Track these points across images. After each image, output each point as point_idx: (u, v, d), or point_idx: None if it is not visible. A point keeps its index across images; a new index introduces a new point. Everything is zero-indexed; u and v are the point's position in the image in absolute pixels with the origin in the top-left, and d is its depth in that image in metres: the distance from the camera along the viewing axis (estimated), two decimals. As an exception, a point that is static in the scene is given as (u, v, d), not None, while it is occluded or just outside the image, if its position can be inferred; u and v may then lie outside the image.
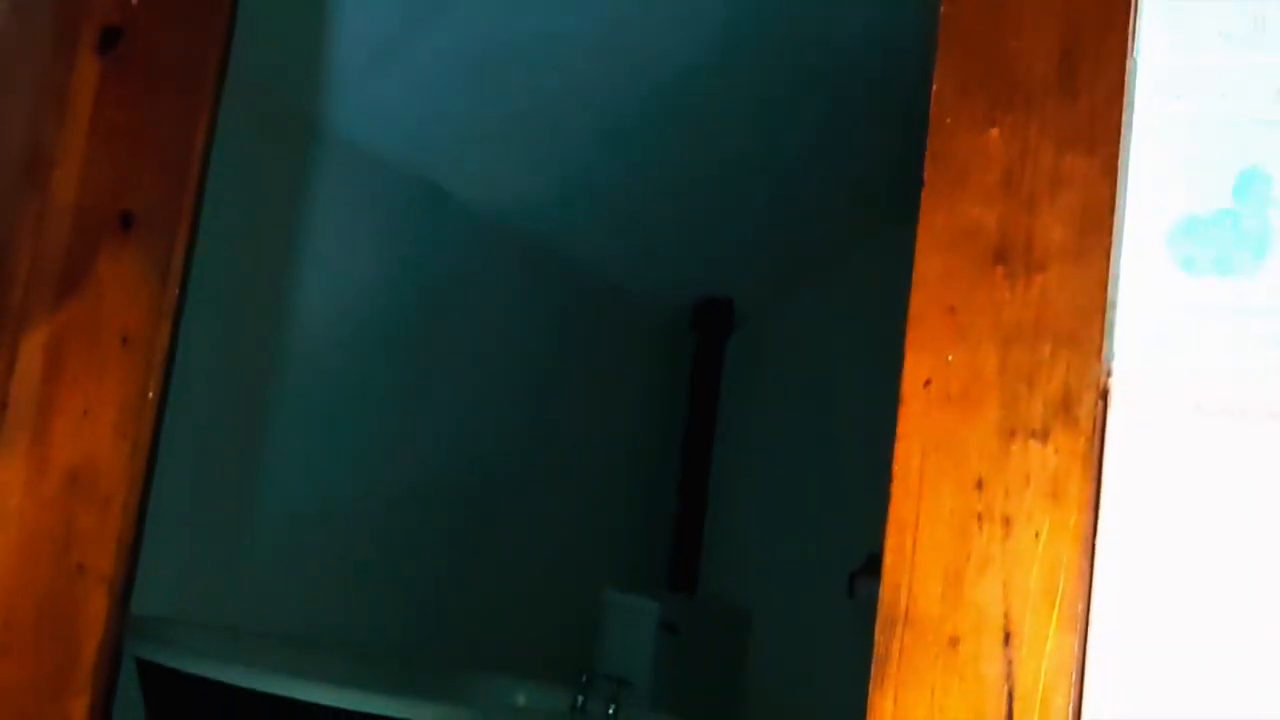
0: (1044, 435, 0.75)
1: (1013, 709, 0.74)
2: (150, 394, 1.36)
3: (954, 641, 0.76)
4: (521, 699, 3.29)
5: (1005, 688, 0.74)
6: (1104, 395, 0.75)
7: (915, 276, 0.79)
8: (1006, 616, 0.75)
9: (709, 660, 3.92)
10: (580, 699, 3.30)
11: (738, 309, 4.39)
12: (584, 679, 3.34)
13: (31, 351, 1.28)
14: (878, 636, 0.80)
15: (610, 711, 3.20)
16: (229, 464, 3.04)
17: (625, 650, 3.69)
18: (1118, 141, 0.78)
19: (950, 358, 0.78)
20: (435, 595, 3.49)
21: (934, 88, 0.81)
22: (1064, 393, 0.75)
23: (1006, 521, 0.76)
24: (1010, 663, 0.75)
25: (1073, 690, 0.74)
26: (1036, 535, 0.75)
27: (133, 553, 1.46)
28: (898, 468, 0.79)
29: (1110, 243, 0.76)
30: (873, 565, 3.71)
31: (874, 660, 0.80)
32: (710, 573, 4.22)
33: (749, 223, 4.07)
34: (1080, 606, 0.74)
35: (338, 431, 3.28)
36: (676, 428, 4.35)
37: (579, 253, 3.87)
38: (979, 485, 0.77)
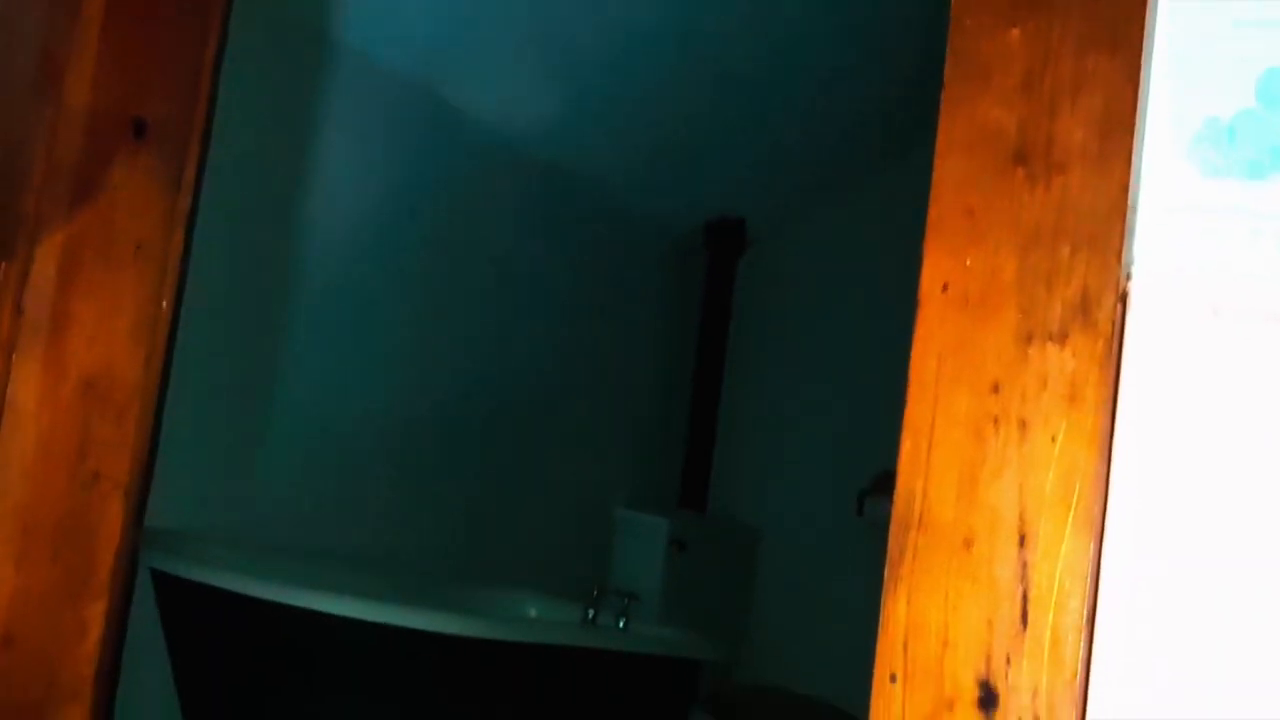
0: (1061, 338, 0.75)
1: (1027, 611, 0.75)
2: (164, 303, 1.36)
3: (968, 543, 0.77)
4: (534, 612, 3.33)
5: (1020, 590, 0.75)
6: (1123, 298, 0.75)
7: (934, 179, 0.79)
8: (1022, 519, 0.75)
9: (718, 576, 3.96)
10: (591, 612, 3.33)
11: (750, 228, 4.37)
12: (595, 593, 3.37)
13: (46, 259, 1.28)
14: (891, 540, 0.80)
15: (620, 624, 3.24)
16: (243, 380, 3.05)
17: (636, 566, 3.73)
18: (1140, 43, 0.77)
19: (969, 261, 0.77)
20: (449, 512, 3.52)
21: (955, -12, 0.80)
22: (1082, 296, 0.75)
23: (1023, 425, 0.76)
24: (1025, 565, 0.75)
25: (1088, 592, 0.74)
26: (1053, 438, 0.75)
27: (148, 462, 1.47)
28: (914, 371, 0.79)
29: (1131, 145, 0.76)
30: (881, 484, 3.73)
31: (887, 563, 0.80)
32: (720, 491, 4.25)
33: (763, 142, 4.04)
34: (1096, 509, 0.74)
35: (350, 347, 3.28)
36: (689, 348, 4.35)
37: (591, 171, 3.85)
38: (995, 389, 0.77)
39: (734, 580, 4.04)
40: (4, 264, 1.27)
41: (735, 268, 4.39)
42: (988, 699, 0.76)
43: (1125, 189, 0.75)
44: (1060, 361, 0.75)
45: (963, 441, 0.77)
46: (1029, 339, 0.76)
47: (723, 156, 4.04)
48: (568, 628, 3.20)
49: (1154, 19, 0.78)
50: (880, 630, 0.80)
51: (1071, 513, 0.74)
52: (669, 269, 4.30)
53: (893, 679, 0.80)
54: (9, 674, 1.30)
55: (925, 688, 0.78)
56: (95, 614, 1.37)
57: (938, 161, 0.79)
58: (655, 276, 4.24)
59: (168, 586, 2.65)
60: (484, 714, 2.67)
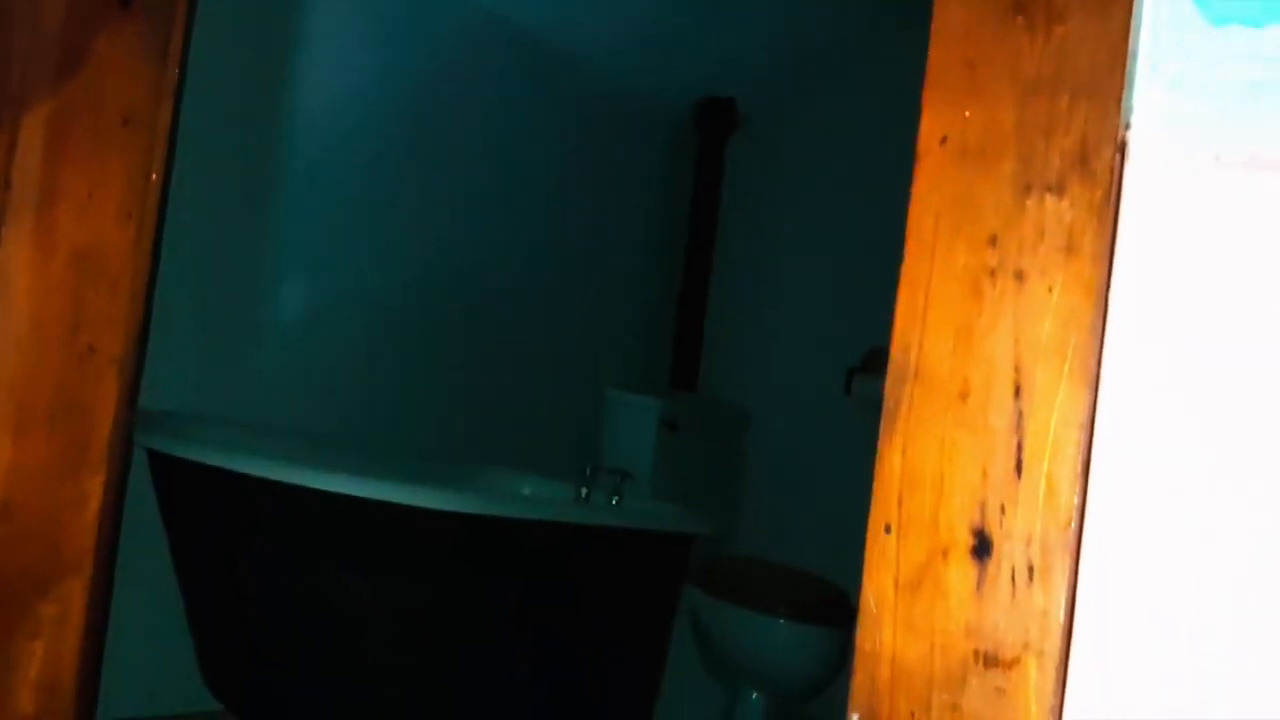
0: (1060, 189, 0.75)
1: (1022, 460, 0.75)
2: (154, 175, 1.35)
3: (964, 395, 0.77)
4: (527, 490, 3.36)
5: (1014, 439, 0.76)
6: (1122, 148, 0.75)
7: (933, 30, 0.78)
8: (1017, 370, 0.76)
9: (709, 456, 3.99)
10: (585, 491, 3.37)
11: (740, 108, 4.33)
12: (588, 472, 3.41)
13: (33, 132, 1.27)
14: (887, 392, 0.81)
15: (614, 501, 3.28)
16: (231, 263, 3.05)
17: (628, 447, 3.76)
18: (1144, -111, 0.76)
19: (967, 113, 0.77)
20: (440, 394, 3.54)
21: None
22: (1081, 146, 0.75)
23: (1020, 276, 0.76)
24: (1020, 415, 0.76)
25: (1082, 443, 0.75)
26: (1050, 289, 0.75)
27: (142, 336, 1.47)
28: (912, 225, 0.79)
29: (1133, -7, 0.75)
30: (869, 363, 3.74)
31: (883, 416, 0.81)
32: (711, 372, 4.27)
33: (752, 18, 3.99)
34: (1092, 361, 0.75)
35: (337, 230, 3.27)
36: (679, 228, 4.34)
37: (579, 51, 3.80)
38: (993, 241, 0.77)
39: (725, 459, 4.08)
40: (-9, 134, 1.26)
41: (725, 147, 4.36)
42: (981, 547, 0.77)
43: (1125, 37, 0.74)
44: (1058, 212, 0.75)
45: (959, 294, 0.78)
46: (1027, 190, 0.76)
47: (711, 34, 3.99)
48: (562, 504, 3.24)
49: None
50: (875, 482, 0.81)
51: (1067, 363, 0.75)
52: (658, 149, 4.27)
53: (887, 530, 0.81)
54: (8, 546, 1.31)
55: (920, 537, 0.79)
56: (93, 487, 1.38)
57: (937, 11, 0.78)
58: (645, 157, 4.22)
59: (163, 466, 2.67)
60: (479, 591, 2.71)
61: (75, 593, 1.37)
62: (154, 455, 2.66)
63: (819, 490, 3.94)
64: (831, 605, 3.48)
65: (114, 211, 1.32)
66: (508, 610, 2.77)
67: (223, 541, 2.67)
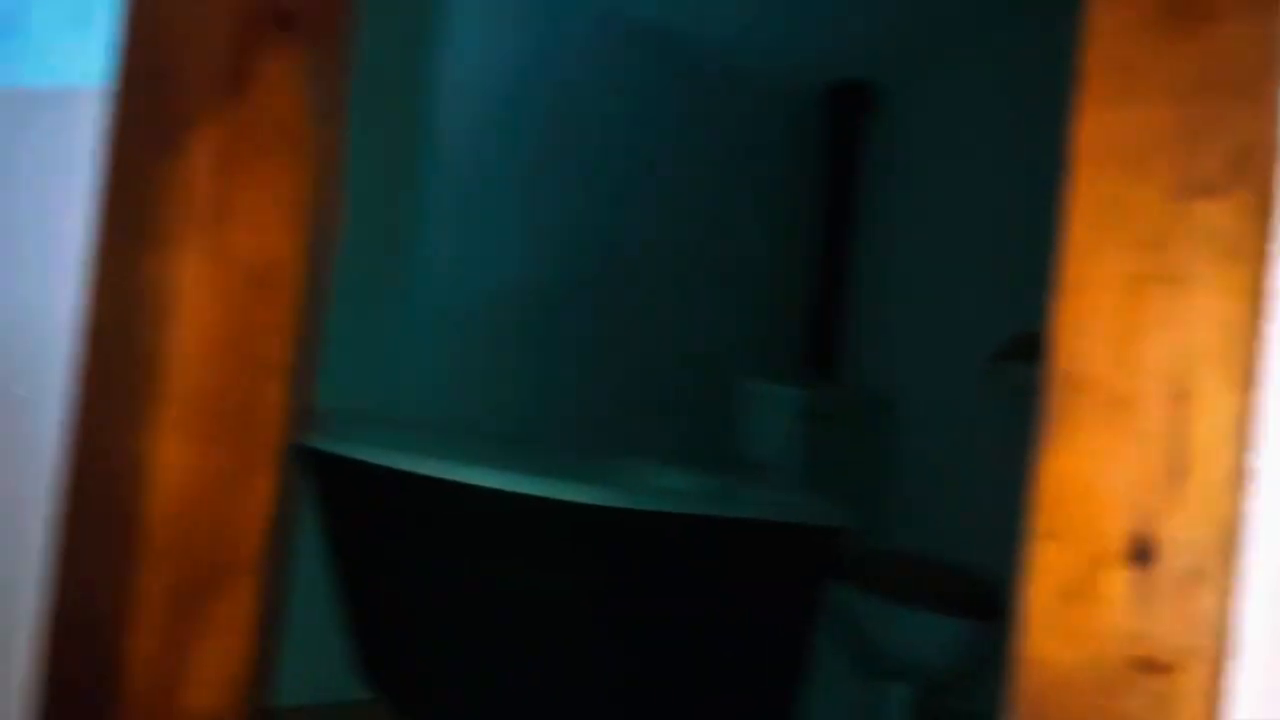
0: (1217, 192, 0.75)
1: (1182, 467, 0.75)
2: (320, 190, 1.40)
3: (1122, 402, 0.77)
4: (669, 483, 3.39)
5: (1175, 446, 0.76)
6: (1277, 150, 0.74)
7: (1084, 31, 0.78)
8: (1176, 376, 0.76)
9: (849, 446, 3.97)
10: (724, 484, 3.39)
11: (876, 88, 4.29)
12: (728, 465, 3.43)
13: (204, 150, 1.33)
14: (1043, 399, 0.81)
15: (753, 496, 3.29)
16: (383, 259, 3.13)
17: (767, 439, 3.76)
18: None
19: (1121, 116, 0.77)
20: (578, 387, 3.59)
21: None
22: (1237, 148, 0.74)
23: (1177, 281, 0.75)
24: (1180, 421, 0.75)
25: (1244, 448, 0.75)
26: (1208, 295, 0.75)
27: (311, 346, 1.53)
28: (1065, 230, 0.79)
29: (1291, -8, 0.74)
30: (1019, 347, 3.69)
31: (1041, 424, 0.81)
32: (851, 360, 4.25)
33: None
34: (1252, 365, 0.74)
35: (476, 224, 3.33)
36: (815, 213, 4.32)
37: (709, 36, 3.81)
38: (1149, 246, 0.76)
39: (865, 450, 4.06)
40: (166, 159, 1.33)
41: (861, 129, 4.32)
42: (1141, 553, 0.77)
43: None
44: (1215, 216, 0.75)
45: (1116, 299, 0.77)
46: (1183, 194, 0.76)
47: (845, 13, 3.96)
48: (699, 497, 3.26)
49: None
50: (1032, 489, 0.82)
51: (1227, 369, 0.74)
52: (793, 132, 4.26)
53: (1044, 537, 0.81)
54: (184, 548, 1.38)
55: (1078, 544, 0.79)
56: (264, 490, 1.44)
57: (1087, 12, 0.78)
58: (779, 140, 4.20)
59: (318, 463, 2.76)
60: (619, 584, 2.75)
61: (248, 593, 1.44)
62: (309, 452, 2.75)
63: (966, 480, 3.90)
64: (981, 598, 3.45)
65: (283, 227, 1.38)
66: (644, 606, 2.80)
67: (376, 537, 2.75)
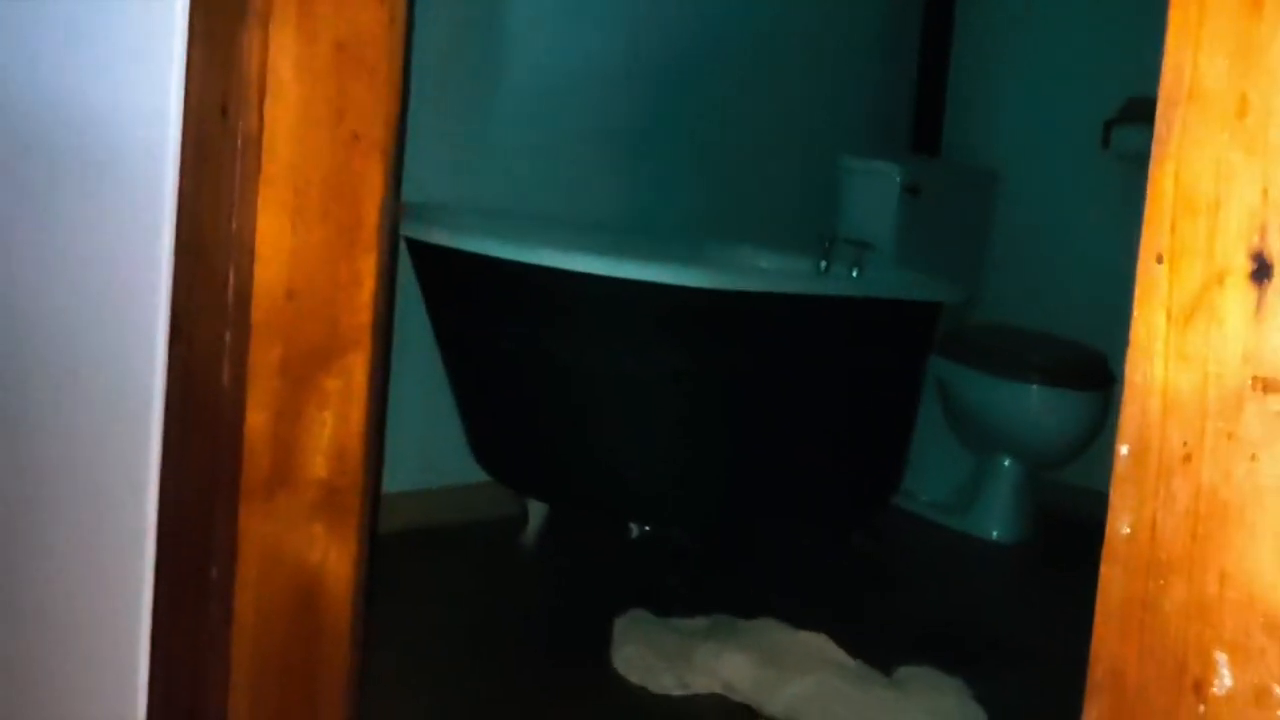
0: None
1: (1305, 176, 0.72)
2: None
3: (1241, 112, 0.74)
4: (766, 264, 3.38)
5: (1296, 156, 0.72)
6: None
7: None
8: (1301, 82, 0.72)
9: (953, 221, 3.91)
10: (824, 264, 3.37)
11: None
12: (827, 244, 3.39)
13: (284, -76, 1.31)
14: (1159, 116, 0.78)
15: (854, 273, 3.27)
16: (472, 51, 3.09)
17: (868, 215, 3.71)
18: None
19: None
20: (678, 170, 3.55)
21: None
22: None
23: (1305, -20, 0.71)
24: (1303, 130, 0.72)
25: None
26: (1338, -8, 0.70)
27: (401, 122, 1.52)
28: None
29: None
30: (1130, 112, 3.56)
31: (1154, 141, 0.78)
32: (955, 133, 4.14)
33: None
34: (1384, 66, 0.70)
35: (571, 7, 3.27)
36: (915, -13, 4.16)
37: None
38: (1274, -56, 0.72)
39: (970, 224, 3.99)
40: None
41: (962, -104, 4.12)
42: (1261, 270, 0.74)
43: None
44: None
45: (1235, 4, 0.73)
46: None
47: None
48: (802, 277, 3.25)
49: None
50: (1146, 210, 0.79)
51: (1358, 70, 0.70)
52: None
53: (1159, 259, 0.79)
54: (295, 324, 1.40)
55: (1194, 264, 0.77)
56: (367, 267, 1.46)
57: None
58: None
59: (424, 254, 2.79)
60: (725, 365, 2.77)
61: (357, 366, 1.47)
62: (414, 244, 2.78)
63: (1075, 252, 3.82)
64: (1088, 369, 3.42)
65: (370, 1, 1.36)
66: (754, 383, 2.82)
67: (482, 323, 2.79)
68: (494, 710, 2.25)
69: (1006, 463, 3.56)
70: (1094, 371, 3.42)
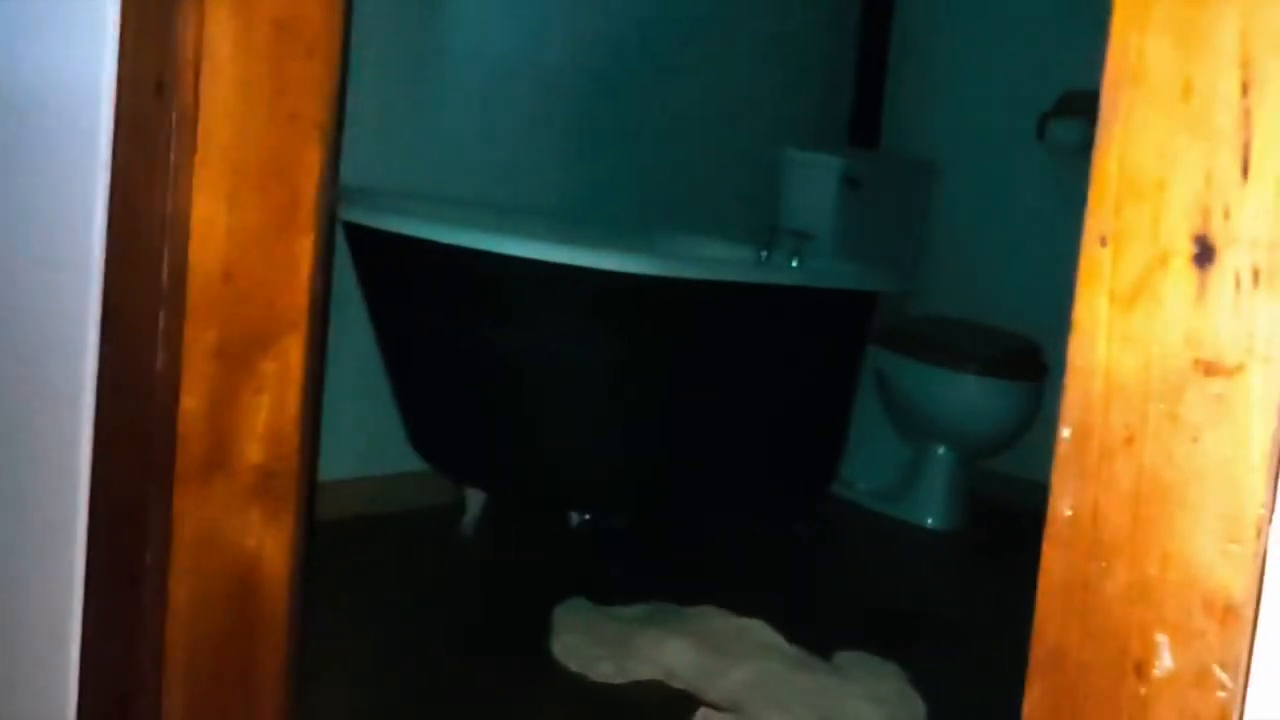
0: None
1: (1249, 159, 0.72)
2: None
3: (1186, 95, 0.74)
4: (708, 252, 3.38)
5: (1241, 139, 0.73)
6: None
7: None
8: (1244, 65, 0.72)
9: (892, 212, 3.93)
10: (765, 253, 3.37)
11: None
12: (769, 234, 3.40)
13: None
14: (1104, 99, 0.78)
15: (794, 263, 3.28)
16: (416, 39, 3.06)
17: (808, 207, 3.72)
18: None
19: None
20: (622, 158, 3.54)
21: None
22: None
23: (1249, -37, 0.71)
24: (1247, 113, 0.72)
25: (1312, 141, 0.72)
26: (1281, -24, 0.71)
27: (340, 102, 1.50)
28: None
29: None
30: (1065, 105, 3.59)
31: (1099, 124, 0.78)
32: (894, 126, 4.16)
33: None
34: (1326, 51, 0.71)
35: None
36: (856, -21, 4.17)
37: None
38: (1220, -72, 0.72)
39: (909, 216, 4.01)
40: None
41: (902, -113, 4.14)
42: (1204, 254, 0.75)
43: None
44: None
45: (1182, -14, 0.74)
46: None
47: None
48: (743, 265, 3.25)
49: None
50: (1090, 194, 0.79)
51: (1301, 55, 0.71)
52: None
53: (1103, 242, 0.79)
54: (231, 306, 1.38)
55: (1137, 247, 0.77)
56: (304, 248, 1.44)
57: None
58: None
59: (361, 238, 2.76)
60: (665, 352, 2.76)
61: (293, 349, 1.44)
62: (352, 228, 2.75)
63: (1011, 244, 3.85)
64: (1023, 359, 3.46)
65: (306, -24, 1.34)
66: (694, 371, 2.82)
67: (420, 309, 2.76)
68: (432, 699, 2.24)
69: (942, 451, 3.59)
70: (1029, 362, 3.46)
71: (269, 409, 1.43)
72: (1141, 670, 0.78)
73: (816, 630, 2.62)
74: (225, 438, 1.38)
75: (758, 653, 2.42)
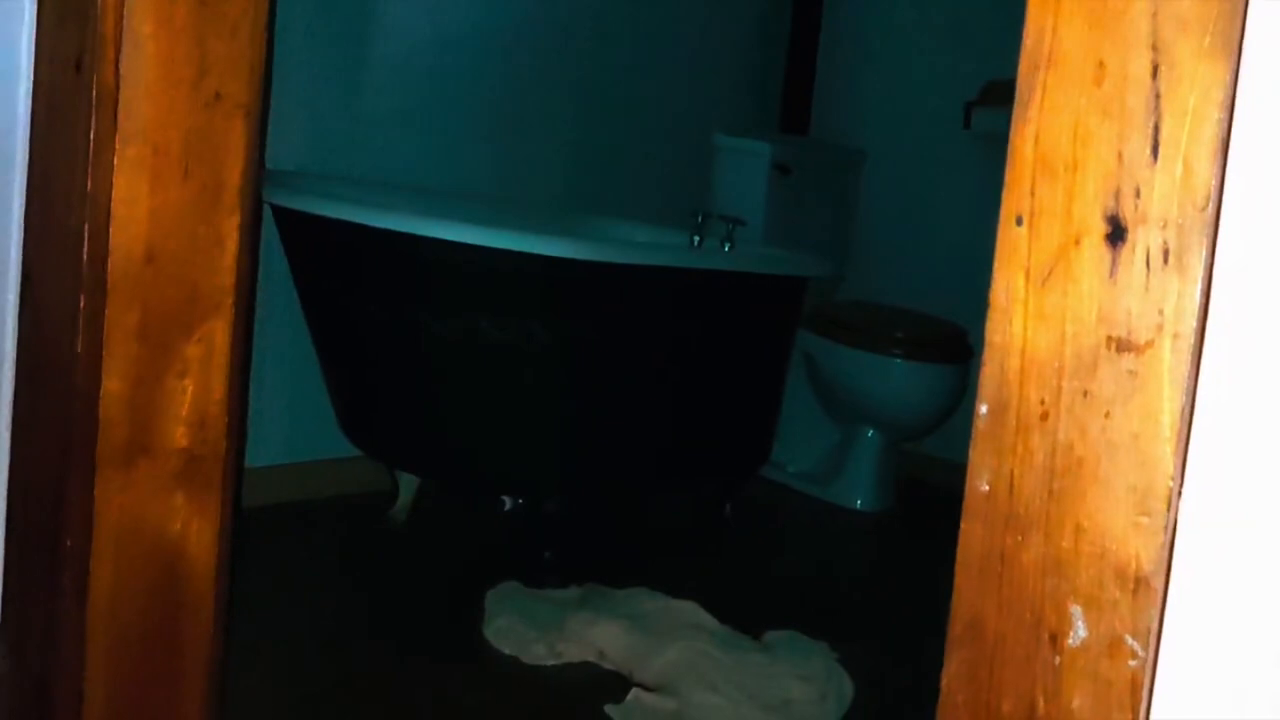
0: None
1: (1158, 141, 0.74)
2: (262, -88, 1.34)
3: (1099, 77, 0.76)
4: (639, 238, 3.38)
5: (1151, 121, 0.74)
6: None
7: None
8: (1155, 48, 0.74)
9: (822, 199, 3.96)
10: (696, 238, 3.38)
11: None
12: (699, 219, 3.41)
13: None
14: (1020, 81, 0.79)
15: (725, 248, 3.29)
16: (341, 18, 3.03)
17: (739, 193, 3.74)
18: None
19: None
20: (552, 143, 3.53)
21: None
22: None
23: (1159, -52, 0.73)
24: (1157, 95, 0.74)
25: (1222, 122, 0.73)
26: (1190, -39, 0.72)
27: (264, 83, 1.49)
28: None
29: None
30: (989, 94, 3.64)
31: (1015, 105, 0.80)
32: (823, 113, 4.19)
33: None
34: (1234, 34, 0.72)
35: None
36: (784, -35, 4.19)
37: None
38: (1131, -87, 0.74)
39: (838, 202, 4.05)
40: None
41: (831, -125, 4.16)
42: (1116, 233, 0.76)
43: None
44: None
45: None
46: None
47: None
48: (675, 250, 3.26)
49: None
50: (1007, 173, 0.80)
51: (1208, 37, 0.72)
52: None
53: (1019, 221, 0.81)
54: (153, 288, 1.36)
55: (1052, 226, 0.79)
56: (229, 229, 1.42)
57: None
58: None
59: (290, 221, 2.73)
60: (596, 337, 2.76)
61: (219, 332, 1.43)
62: (279, 211, 2.72)
63: (937, 229, 3.90)
64: (949, 343, 3.50)
65: (226, -49, 1.32)
66: (625, 355, 2.82)
67: (348, 293, 2.74)
68: (364, 684, 2.23)
69: (870, 434, 3.63)
70: (954, 346, 3.50)
71: (194, 392, 1.42)
72: (1056, 640, 0.80)
73: (746, 610, 2.64)
74: (148, 421, 1.36)
75: (688, 633, 2.44)
